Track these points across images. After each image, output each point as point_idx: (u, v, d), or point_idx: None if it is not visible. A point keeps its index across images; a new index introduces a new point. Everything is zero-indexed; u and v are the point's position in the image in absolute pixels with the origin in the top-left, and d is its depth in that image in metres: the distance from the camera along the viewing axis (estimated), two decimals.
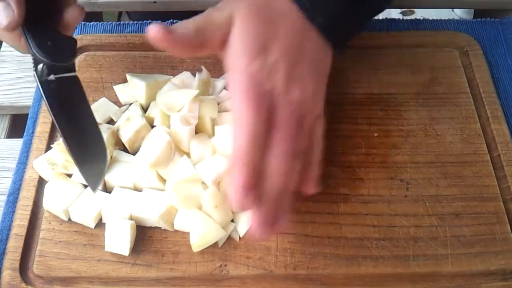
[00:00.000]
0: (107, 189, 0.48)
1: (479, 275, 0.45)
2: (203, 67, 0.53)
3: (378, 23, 0.62)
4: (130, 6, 0.66)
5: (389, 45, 0.58)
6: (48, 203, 0.46)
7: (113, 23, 0.62)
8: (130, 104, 0.53)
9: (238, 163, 0.36)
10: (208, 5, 0.43)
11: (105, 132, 0.49)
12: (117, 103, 0.54)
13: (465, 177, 0.50)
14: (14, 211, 0.48)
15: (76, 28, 0.61)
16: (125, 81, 0.55)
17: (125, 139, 0.49)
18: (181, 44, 0.38)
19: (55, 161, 0.48)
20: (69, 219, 0.47)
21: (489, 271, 0.45)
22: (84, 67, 0.56)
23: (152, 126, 0.51)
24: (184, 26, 0.39)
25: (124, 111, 0.52)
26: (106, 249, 0.45)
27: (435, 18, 0.63)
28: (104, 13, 0.70)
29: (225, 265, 0.45)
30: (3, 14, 0.40)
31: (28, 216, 0.47)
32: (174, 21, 0.61)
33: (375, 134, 0.52)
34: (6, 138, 0.57)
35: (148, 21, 0.62)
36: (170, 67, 0.57)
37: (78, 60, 0.57)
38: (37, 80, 0.43)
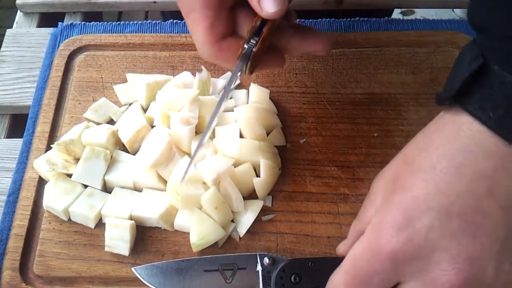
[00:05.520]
0: (107, 189, 0.48)
1: None
2: (203, 67, 0.53)
3: (378, 23, 0.62)
4: (130, 6, 0.67)
5: (389, 45, 0.58)
6: (48, 203, 0.46)
7: (113, 23, 0.62)
8: (130, 104, 0.53)
9: None
10: None
11: (105, 132, 0.49)
12: (117, 103, 0.54)
13: None
14: (14, 211, 0.48)
15: (76, 28, 0.61)
16: (125, 81, 0.55)
17: (125, 139, 0.49)
18: None
19: (55, 161, 0.48)
20: (69, 219, 0.47)
21: None
22: (84, 67, 0.56)
23: (152, 126, 0.51)
24: None
25: (124, 111, 0.52)
26: (106, 249, 0.45)
27: (435, 18, 0.63)
28: (104, 13, 0.70)
29: None
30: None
31: (28, 216, 0.47)
32: (174, 21, 0.62)
33: (375, 134, 0.52)
34: (6, 138, 0.57)
35: (148, 21, 0.62)
36: (170, 67, 0.56)
37: (78, 60, 0.57)
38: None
